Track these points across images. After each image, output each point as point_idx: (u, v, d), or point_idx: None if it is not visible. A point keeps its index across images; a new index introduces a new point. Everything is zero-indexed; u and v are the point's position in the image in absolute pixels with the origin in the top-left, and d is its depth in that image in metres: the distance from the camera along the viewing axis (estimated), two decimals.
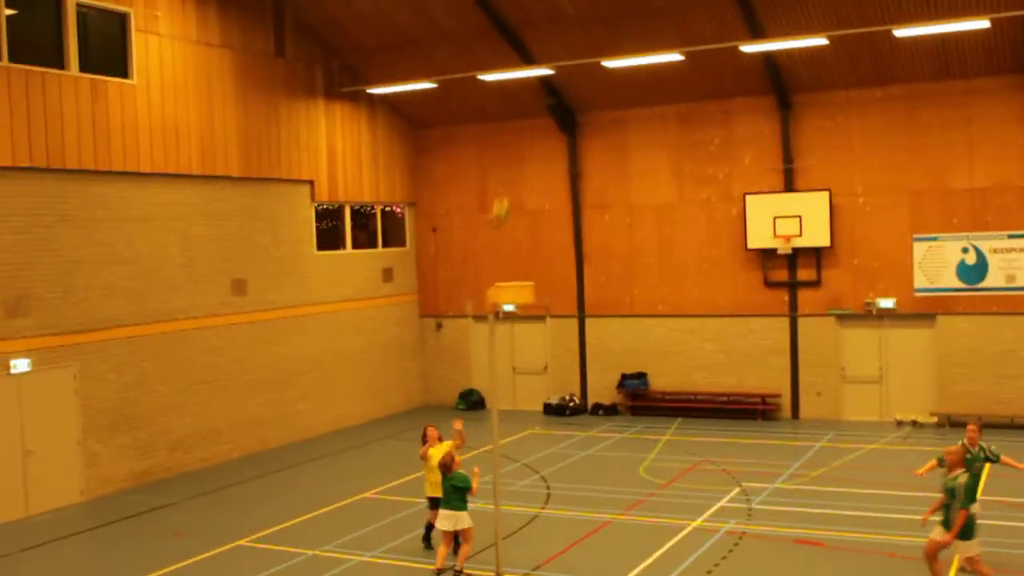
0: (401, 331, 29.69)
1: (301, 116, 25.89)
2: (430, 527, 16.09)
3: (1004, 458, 14.70)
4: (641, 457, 22.20)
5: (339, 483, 20.88)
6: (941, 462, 13.73)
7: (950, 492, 13.10)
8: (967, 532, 13.02)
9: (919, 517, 16.85)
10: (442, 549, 15.01)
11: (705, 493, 18.85)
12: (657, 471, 20.94)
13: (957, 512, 12.89)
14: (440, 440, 16.17)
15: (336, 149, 27.11)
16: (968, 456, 14.06)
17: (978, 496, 13.76)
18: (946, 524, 13.14)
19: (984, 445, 14.66)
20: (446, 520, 14.82)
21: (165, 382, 22.02)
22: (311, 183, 26.24)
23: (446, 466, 14.81)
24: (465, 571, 14.56)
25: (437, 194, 30.03)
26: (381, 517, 18.21)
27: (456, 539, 15.08)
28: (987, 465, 14.84)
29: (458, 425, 16.04)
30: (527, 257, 28.59)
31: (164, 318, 22.06)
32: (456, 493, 14.77)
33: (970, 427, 14.85)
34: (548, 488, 19.87)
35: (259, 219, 24.64)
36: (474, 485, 14.79)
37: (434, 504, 15.65)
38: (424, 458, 15.99)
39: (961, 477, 13.09)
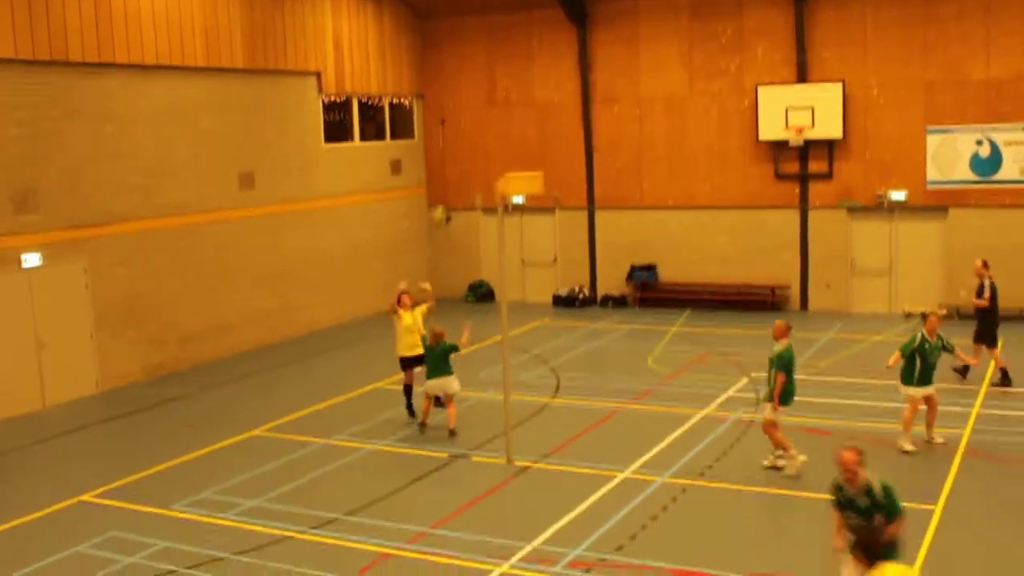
0: (409, 224, 29.64)
1: (307, 6, 25.45)
2: (408, 389, 17.57)
3: (956, 351, 15.90)
4: (650, 348, 22.33)
5: (350, 374, 21.07)
6: None
7: (770, 361, 14.49)
8: (783, 398, 14.27)
9: (926, 407, 17.07)
10: (424, 403, 16.83)
11: (713, 383, 18.99)
12: (666, 362, 21.07)
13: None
14: (414, 306, 17.67)
15: (343, 40, 26.73)
16: (927, 345, 15.12)
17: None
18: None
19: (942, 336, 15.34)
20: (435, 387, 16.57)
21: (174, 276, 22.08)
22: (318, 75, 25.93)
23: (436, 337, 16.39)
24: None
25: (445, 87, 29.68)
26: (392, 407, 18.41)
27: (438, 400, 16.70)
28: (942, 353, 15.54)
29: (426, 285, 18.15)
30: (536, 150, 28.37)
31: (172, 212, 22.02)
32: (443, 359, 16.27)
33: (931, 316, 15.37)
34: (557, 378, 20.04)
35: (266, 112, 24.42)
36: (464, 338, 16.62)
37: (406, 364, 17.67)
38: (395, 314, 17.68)
39: (777, 348, 14.43)
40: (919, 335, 15.31)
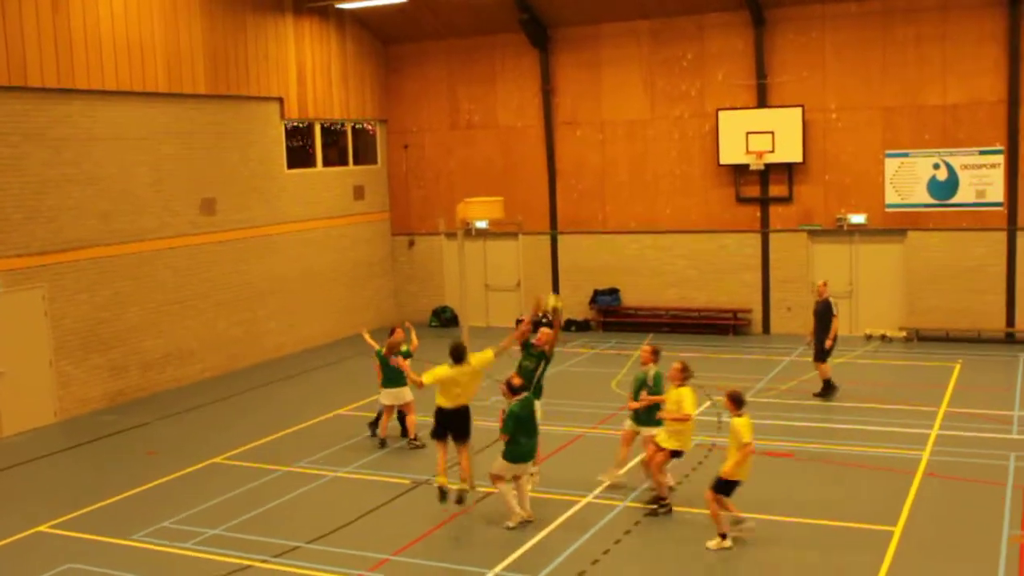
0: (373, 249, 29.61)
1: (269, 32, 25.46)
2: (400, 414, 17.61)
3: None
4: (613, 372, 22.38)
5: (312, 401, 20.97)
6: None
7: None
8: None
9: (886, 429, 17.24)
10: (385, 419, 17.33)
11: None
12: (629, 385, 21.04)
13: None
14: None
15: (305, 66, 26.73)
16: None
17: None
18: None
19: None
20: (388, 397, 17.19)
21: (136, 303, 21.93)
22: (280, 100, 25.91)
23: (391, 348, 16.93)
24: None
25: (408, 111, 29.73)
26: (355, 433, 18.33)
27: (400, 413, 17.19)
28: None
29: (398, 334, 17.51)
30: (499, 175, 28.46)
31: (134, 238, 21.89)
32: (399, 372, 16.51)
33: (644, 347, 15.05)
34: None
35: (228, 137, 24.36)
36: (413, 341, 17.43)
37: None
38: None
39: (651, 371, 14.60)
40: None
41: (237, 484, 15.81)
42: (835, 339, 19.52)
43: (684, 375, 13.72)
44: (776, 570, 11.93)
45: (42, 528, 14.26)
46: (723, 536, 12.51)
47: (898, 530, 12.93)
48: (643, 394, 14.43)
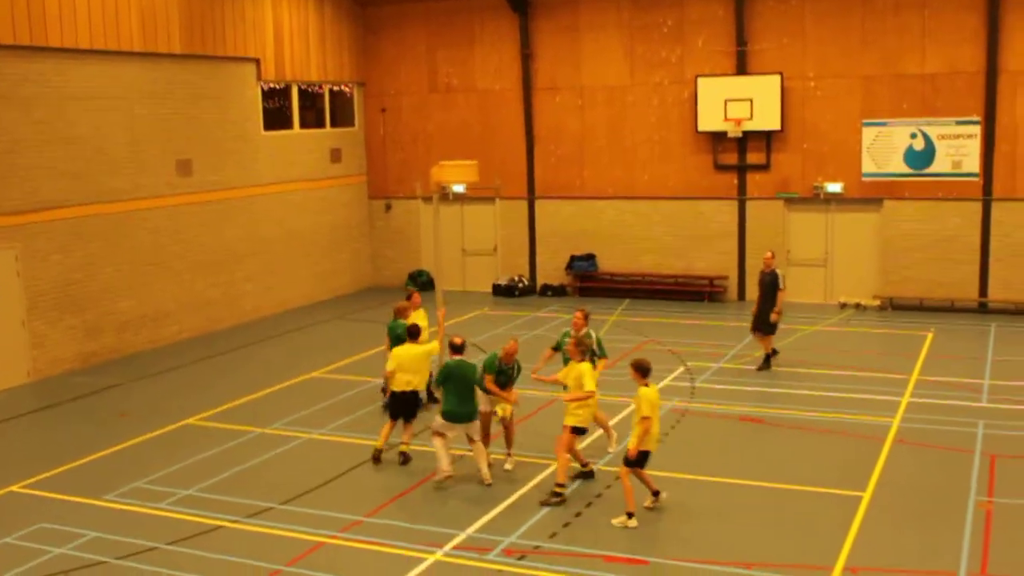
0: (350, 212, 29.50)
1: None
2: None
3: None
4: None
5: (287, 363, 20.94)
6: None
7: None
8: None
9: (858, 396, 17.39)
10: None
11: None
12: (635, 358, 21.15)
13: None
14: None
15: (282, 27, 26.49)
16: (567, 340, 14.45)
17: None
18: None
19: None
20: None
21: (111, 264, 21.80)
22: (257, 61, 25.67)
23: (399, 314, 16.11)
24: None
25: (386, 74, 29.54)
26: (329, 396, 18.35)
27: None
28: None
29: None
30: (477, 139, 28.36)
31: (108, 199, 21.72)
32: None
33: (576, 314, 14.94)
34: None
35: (204, 98, 24.14)
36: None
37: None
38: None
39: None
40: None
41: (211, 445, 15.80)
42: (780, 313, 19.26)
43: (582, 350, 13.45)
44: (745, 534, 12.03)
45: (14, 488, 14.23)
46: (629, 515, 12.29)
47: (867, 495, 13.06)
48: (602, 363, 14.48)
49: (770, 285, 19.17)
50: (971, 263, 24.37)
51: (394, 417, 14.82)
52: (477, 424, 14.00)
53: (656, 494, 12.72)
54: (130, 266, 22.25)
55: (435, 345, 15.39)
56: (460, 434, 13.91)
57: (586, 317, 14.83)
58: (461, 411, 13.76)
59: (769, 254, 19.87)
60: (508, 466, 14.30)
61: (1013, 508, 12.58)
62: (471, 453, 14.14)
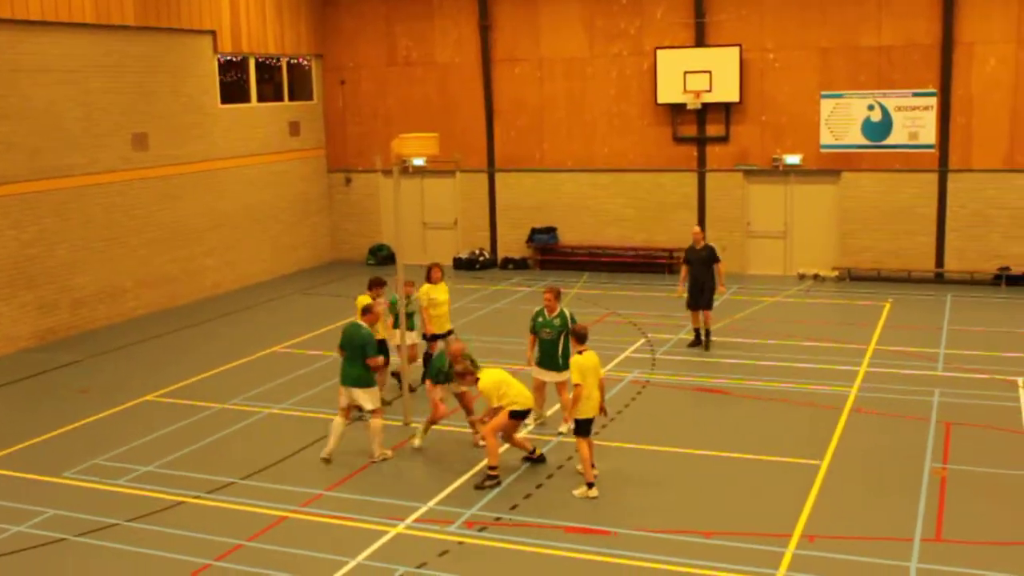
0: (309, 186, 29.31)
1: None
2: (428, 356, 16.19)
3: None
4: None
5: (247, 339, 20.83)
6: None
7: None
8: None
9: (816, 366, 17.56)
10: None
11: (611, 344, 19.18)
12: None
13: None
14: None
15: None
16: (540, 320, 14.39)
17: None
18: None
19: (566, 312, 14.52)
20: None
21: (66, 239, 21.54)
22: (213, 33, 25.36)
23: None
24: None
25: (345, 47, 29.29)
26: (289, 371, 18.28)
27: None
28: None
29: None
30: (437, 112, 28.22)
31: (63, 174, 21.44)
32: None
33: (546, 294, 14.63)
34: (457, 340, 20.02)
35: (159, 72, 23.84)
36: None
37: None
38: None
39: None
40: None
41: (171, 421, 15.71)
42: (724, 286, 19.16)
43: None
44: (705, 504, 12.14)
45: None
46: (589, 485, 12.38)
47: (825, 464, 13.21)
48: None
49: (708, 259, 18.71)
50: (927, 234, 24.62)
51: None
52: (364, 393, 13.60)
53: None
54: (86, 242, 22.00)
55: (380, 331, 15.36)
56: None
57: (557, 296, 14.55)
58: (345, 373, 13.70)
59: (697, 229, 19.48)
60: (481, 443, 13.76)
61: (967, 475, 12.77)
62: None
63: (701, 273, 18.69)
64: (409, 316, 16.16)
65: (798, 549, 10.85)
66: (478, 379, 13.05)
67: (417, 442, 14.16)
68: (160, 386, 17.62)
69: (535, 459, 13.47)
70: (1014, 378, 16.66)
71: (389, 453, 13.97)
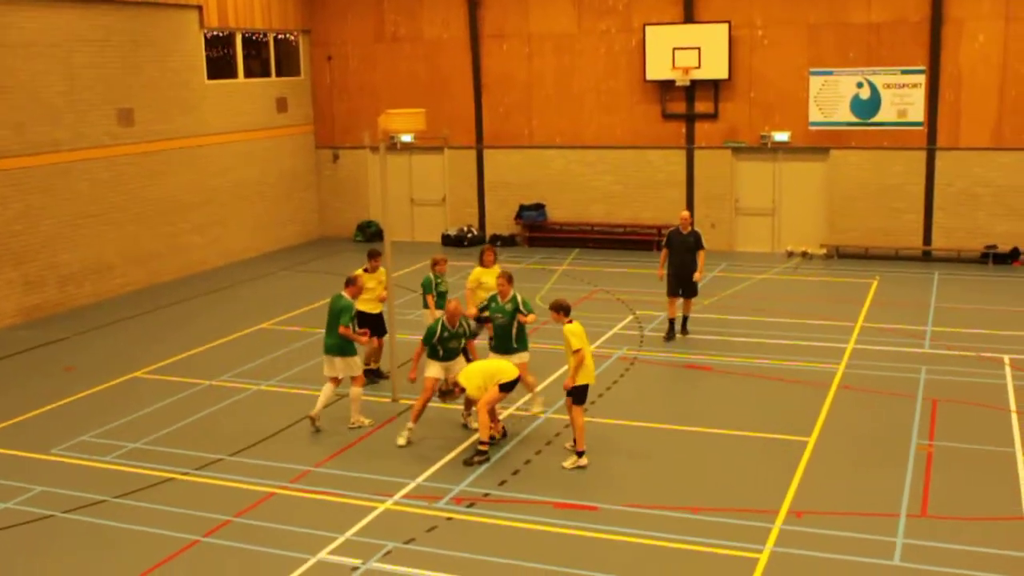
0: (297, 163, 29.19)
1: None
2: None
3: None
4: (538, 287, 22.45)
5: (235, 315, 20.78)
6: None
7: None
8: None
9: (804, 343, 17.60)
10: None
11: (599, 321, 19.20)
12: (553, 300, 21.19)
13: None
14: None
15: None
16: (494, 306, 13.98)
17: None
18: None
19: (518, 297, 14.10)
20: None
21: (51, 215, 21.42)
22: (199, 8, 25.17)
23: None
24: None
25: (332, 22, 29.12)
26: (277, 347, 18.24)
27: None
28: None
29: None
30: (425, 88, 28.10)
31: (47, 149, 21.30)
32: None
33: (499, 279, 14.17)
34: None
35: (145, 46, 23.67)
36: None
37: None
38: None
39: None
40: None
41: (159, 398, 15.68)
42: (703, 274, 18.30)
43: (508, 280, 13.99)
44: (692, 480, 12.18)
45: None
46: (579, 454, 12.54)
47: (812, 440, 13.27)
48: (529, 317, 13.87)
49: (694, 246, 17.76)
50: (915, 212, 24.67)
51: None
52: (342, 361, 13.96)
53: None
54: (71, 218, 21.88)
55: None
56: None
57: (510, 280, 14.07)
58: (325, 341, 14.17)
59: (686, 213, 18.45)
60: (473, 424, 13.62)
61: (953, 451, 12.83)
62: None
63: (686, 259, 17.74)
64: (441, 295, 15.80)
65: (785, 524, 10.90)
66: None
67: (402, 442, 13.56)
68: (148, 363, 17.57)
69: (480, 454, 13.14)
70: (1000, 355, 16.73)
71: (365, 421, 14.18)
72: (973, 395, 14.85)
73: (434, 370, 13.69)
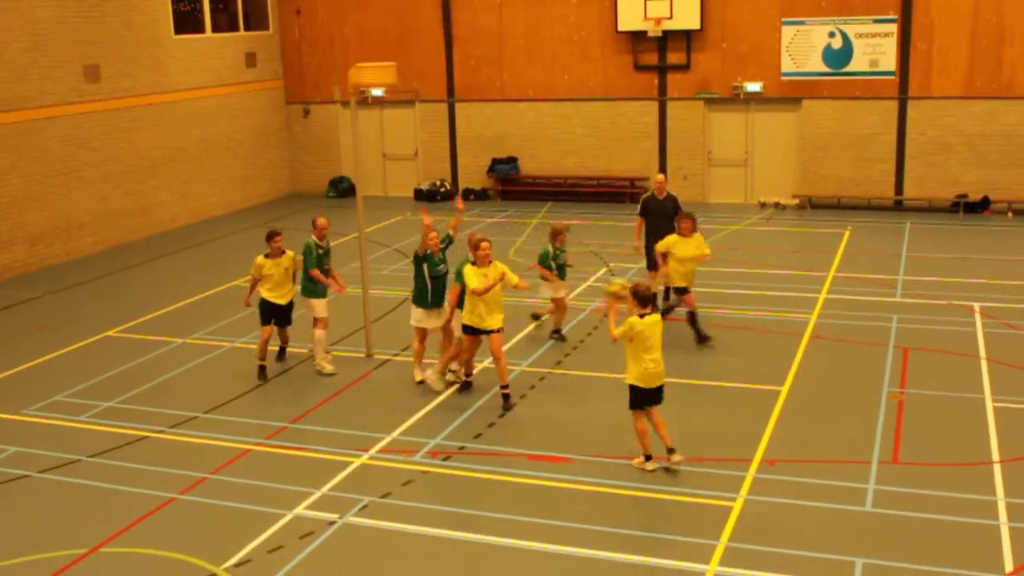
0: (267, 118, 28.92)
1: None
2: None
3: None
4: (511, 240, 22.43)
5: (207, 273, 20.66)
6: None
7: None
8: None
9: (777, 293, 17.67)
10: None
11: (573, 273, 19.15)
12: (527, 253, 21.18)
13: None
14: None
15: None
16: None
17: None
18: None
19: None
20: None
21: (18, 174, 21.16)
22: None
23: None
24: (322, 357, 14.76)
25: None
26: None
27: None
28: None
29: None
30: (395, 41, 27.83)
31: (11, 107, 21.00)
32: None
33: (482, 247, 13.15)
34: None
35: (109, 0, 23.30)
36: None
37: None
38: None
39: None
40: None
41: (132, 357, 15.61)
42: None
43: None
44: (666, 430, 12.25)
45: None
46: (647, 458, 11.21)
47: (785, 389, 13.37)
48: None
49: (672, 211, 16.55)
50: (887, 161, 24.73)
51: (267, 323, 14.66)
52: (309, 303, 14.49)
53: (671, 451, 11.19)
54: (40, 176, 21.63)
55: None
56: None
57: (476, 247, 13.12)
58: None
59: (661, 177, 17.36)
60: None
61: (923, 398, 12.96)
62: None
63: (665, 227, 16.23)
64: (560, 268, 15.51)
65: (759, 473, 11.00)
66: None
67: (439, 385, 13.56)
68: (120, 322, 17.47)
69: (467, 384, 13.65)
70: (971, 304, 16.86)
71: (328, 367, 14.38)
72: (944, 343, 14.98)
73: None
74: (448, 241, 14.23)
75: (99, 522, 10.45)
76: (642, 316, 11.00)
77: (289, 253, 14.61)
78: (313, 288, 14.47)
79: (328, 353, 14.65)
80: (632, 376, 11.18)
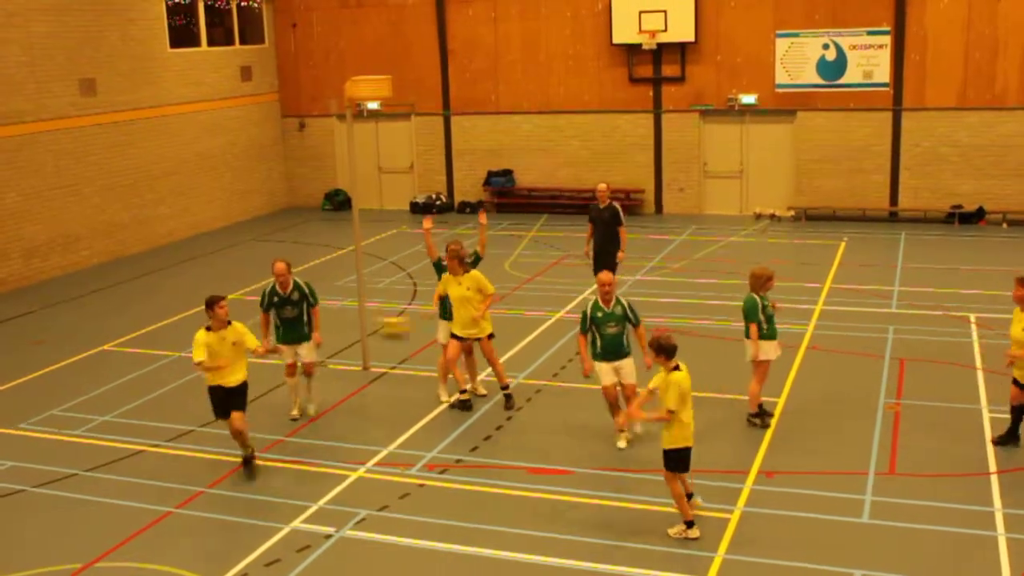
0: (262, 132, 28.95)
1: None
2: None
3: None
4: (507, 253, 22.45)
5: (204, 286, 20.47)
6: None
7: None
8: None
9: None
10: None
11: (568, 286, 19.24)
12: (522, 266, 21.24)
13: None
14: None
15: None
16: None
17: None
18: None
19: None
20: None
21: (14, 188, 21.17)
22: None
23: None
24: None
25: None
26: (246, 318, 18.03)
27: None
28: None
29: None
30: (391, 54, 27.88)
31: (8, 121, 21.02)
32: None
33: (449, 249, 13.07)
34: (415, 284, 20.02)
35: (106, 15, 23.34)
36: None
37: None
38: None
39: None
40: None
41: (128, 371, 15.60)
42: (624, 252, 17.06)
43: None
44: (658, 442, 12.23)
45: None
46: (688, 524, 10.00)
47: (781, 400, 13.37)
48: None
49: (611, 220, 16.73)
50: (882, 173, 24.78)
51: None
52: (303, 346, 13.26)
53: (689, 496, 10.35)
54: (35, 190, 21.64)
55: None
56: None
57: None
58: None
59: (604, 186, 17.19)
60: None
61: (920, 409, 12.97)
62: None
63: (602, 236, 16.70)
64: (769, 319, 12.63)
65: (756, 484, 11.00)
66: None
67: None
68: (116, 335, 17.46)
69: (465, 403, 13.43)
70: (966, 314, 16.89)
71: (295, 412, 13.49)
72: (940, 354, 15.00)
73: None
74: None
75: (95, 537, 10.42)
76: (675, 369, 9.84)
77: (236, 325, 11.77)
78: (300, 332, 13.13)
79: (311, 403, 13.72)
80: (675, 439, 9.87)
